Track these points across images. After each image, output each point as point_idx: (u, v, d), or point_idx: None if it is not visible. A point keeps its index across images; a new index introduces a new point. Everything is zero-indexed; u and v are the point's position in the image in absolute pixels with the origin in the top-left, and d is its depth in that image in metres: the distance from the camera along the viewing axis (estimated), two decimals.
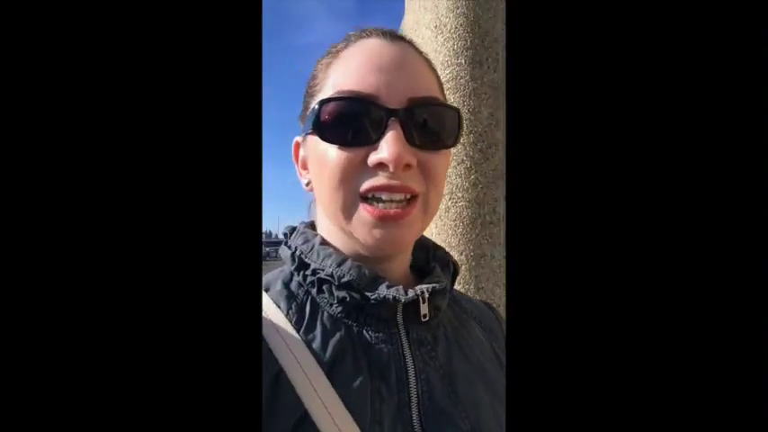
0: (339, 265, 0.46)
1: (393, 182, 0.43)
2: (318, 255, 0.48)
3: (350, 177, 0.44)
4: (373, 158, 0.43)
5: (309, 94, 0.51)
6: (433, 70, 0.52)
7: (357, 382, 0.43)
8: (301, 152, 0.53)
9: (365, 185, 0.44)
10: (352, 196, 0.45)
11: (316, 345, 0.44)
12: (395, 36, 0.50)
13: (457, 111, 0.49)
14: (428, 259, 0.56)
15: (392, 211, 0.44)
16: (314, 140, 0.47)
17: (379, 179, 0.43)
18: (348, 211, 0.45)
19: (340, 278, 0.45)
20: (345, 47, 0.50)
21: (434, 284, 0.49)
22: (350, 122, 0.44)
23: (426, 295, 0.47)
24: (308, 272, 0.48)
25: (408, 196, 0.45)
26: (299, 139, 0.53)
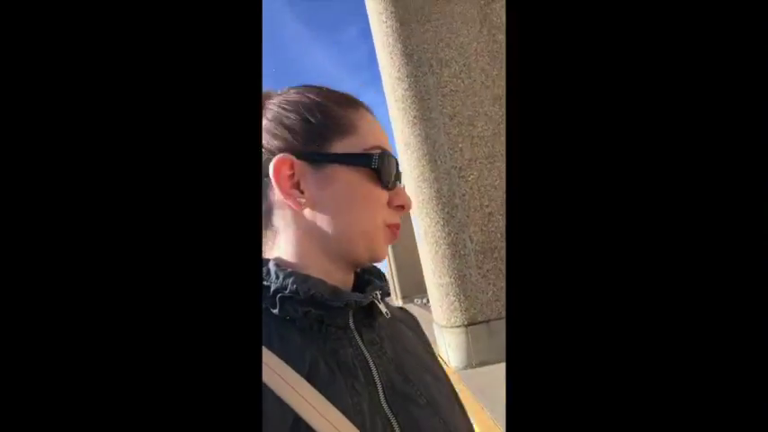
0: (303, 281, 0.50)
1: (399, 221, 0.57)
2: (278, 276, 0.51)
3: (381, 210, 0.55)
4: (398, 202, 0.56)
5: (330, 129, 0.55)
6: None
7: (334, 382, 0.48)
8: (296, 171, 0.54)
9: (391, 221, 0.56)
10: (380, 222, 0.55)
11: (290, 357, 0.48)
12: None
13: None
14: (363, 273, 0.63)
15: (397, 232, 0.57)
16: (350, 173, 0.53)
17: (396, 218, 0.57)
18: (375, 233, 0.55)
19: (305, 293, 0.49)
20: (355, 110, 0.57)
21: (383, 287, 0.58)
22: (391, 171, 0.55)
23: (379, 296, 0.56)
24: (269, 294, 0.51)
25: None
26: (291, 158, 0.53)
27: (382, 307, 0.56)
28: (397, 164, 0.57)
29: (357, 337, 0.53)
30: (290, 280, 0.50)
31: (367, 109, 0.59)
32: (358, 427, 0.46)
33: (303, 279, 0.50)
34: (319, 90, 0.58)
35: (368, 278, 0.61)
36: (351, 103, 0.58)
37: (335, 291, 0.51)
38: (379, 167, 0.54)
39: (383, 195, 0.55)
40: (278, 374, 0.45)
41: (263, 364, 0.45)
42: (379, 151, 0.54)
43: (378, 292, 0.56)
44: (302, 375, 0.46)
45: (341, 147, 0.53)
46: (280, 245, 0.56)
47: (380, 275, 0.63)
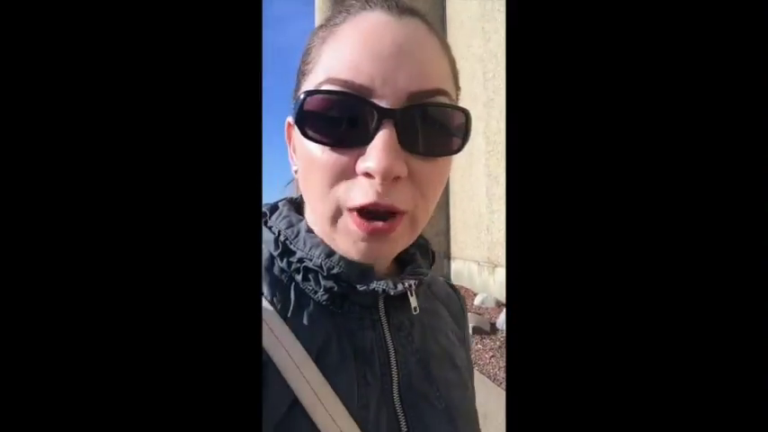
0: (328, 256, 0.44)
1: (382, 201, 0.39)
2: (305, 243, 0.45)
3: (336, 184, 0.41)
4: (361, 167, 0.39)
5: (302, 72, 0.45)
6: (447, 53, 0.45)
7: (344, 369, 0.43)
8: (293, 134, 0.48)
9: (353, 203, 0.40)
10: (338, 205, 0.41)
11: (302, 332, 0.43)
12: (404, 9, 0.42)
13: (465, 112, 0.43)
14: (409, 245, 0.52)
15: (380, 225, 0.41)
16: (297, 131, 0.42)
17: (368, 196, 0.39)
18: (333, 219, 0.42)
19: (329, 269, 0.44)
20: (344, 20, 0.43)
21: (420, 277, 0.48)
22: (337, 121, 0.39)
23: (414, 288, 0.47)
24: (294, 259, 0.46)
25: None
26: (291, 120, 0.47)
27: (413, 301, 0.47)
28: (367, 102, 0.39)
29: (383, 320, 0.47)
30: (317, 251, 0.44)
31: (353, 15, 0.43)
32: (361, 421, 0.42)
33: (328, 253, 0.44)
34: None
35: (412, 253, 0.52)
36: (333, 19, 0.44)
37: (363, 273, 0.44)
38: (302, 118, 0.40)
39: (338, 161, 0.40)
40: (285, 350, 0.42)
41: (274, 337, 0.42)
42: (318, 89, 0.40)
43: (412, 282, 0.46)
44: (312, 354, 0.43)
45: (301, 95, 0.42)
46: (306, 209, 0.50)
47: (427, 251, 0.54)
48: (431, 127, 0.41)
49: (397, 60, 0.39)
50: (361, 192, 0.40)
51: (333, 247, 0.44)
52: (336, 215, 0.42)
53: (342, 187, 0.40)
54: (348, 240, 0.42)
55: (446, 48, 0.45)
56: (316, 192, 0.42)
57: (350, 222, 0.41)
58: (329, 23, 0.44)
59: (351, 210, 0.40)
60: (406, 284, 0.45)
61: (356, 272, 0.44)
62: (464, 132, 0.43)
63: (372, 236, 0.41)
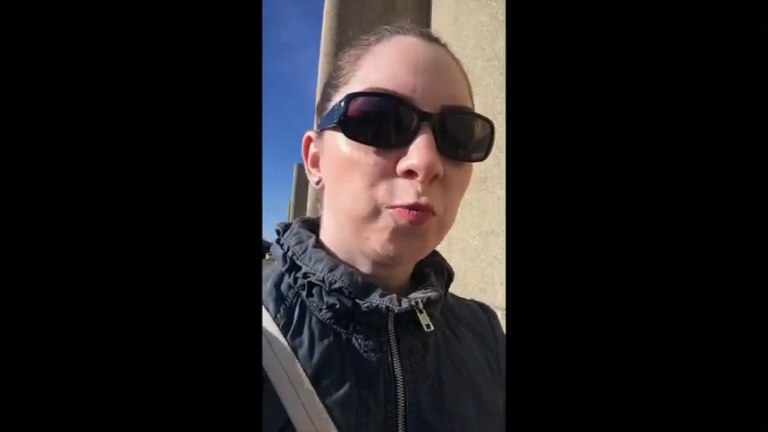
0: (331, 270, 0.44)
1: (421, 201, 0.40)
2: (311, 257, 0.46)
3: (376, 183, 0.41)
4: (403, 165, 0.40)
5: (333, 86, 0.47)
6: (466, 77, 0.49)
7: (343, 393, 0.42)
8: (312, 148, 0.50)
9: (394, 202, 0.41)
10: (376, 203, 0.41)
11: (302, 351, 0.43)
12: (431, 37, 0.48)
13: (490, 123, 0.46)
14: (423, 264, 0.53)
15: (415, 214, 0.41)
16: (334, 137, 0.44)
17: (409, 195, 0.40)
18: (370, 218, 0.42)
19: (331, 284, 0.44)
20: (378, 41, 0.46)
21: (430, 294, 0.47)
22: (380, 122, 0.41)
23: (421, 306, 0.45)
24: (299, 274, 0.46)
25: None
26: (311, 133, 0.50)
27: (423, 318, 0.46)
28: (408, 105, 0.41)
29: (392, 343, 0.45)
30: (321, 265, 0.45)
31: (387, 37, 0.46)
32: None
33: (332, 267, 0.44)
34: (353, 41, 0.49)
35: (427, 272, 0.51)
36: (365, 40, 0.47)
37: (367, 287, 0.44)
38: (345, 119, 0.42)
39: (379, 161, 0.41)
40: (282, 367, 0.41)
41: (272, 353, 0.41)
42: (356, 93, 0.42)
43: (420, 299, 0.45)
44: (309, 374, 0.41)
45: (333, 104, 0.44)
46: (323, 224, 0.51)
47: (442, 270, 0.53)
48: (461, 134, 0.44)
49: (432, 75, 0.43)
50: (401, 191, 0.41)
51: (362, 247, 0.44)
52: (373, 214, 0.42)
53: (381, 187, 0.41)
54: (383, 235, 0.42)
55: (464, 73, 0.49)
56: (351, 192, 0.42)
57: (391, 214, 0.41)
58: (361, 44, 0.47)
59: (390, 207, 0.41)
60: (413, 301, 0.44)
61: (359, 286, 0.44)
62: (488, 142, 0.46)
63: (410, 226, 0.41)
